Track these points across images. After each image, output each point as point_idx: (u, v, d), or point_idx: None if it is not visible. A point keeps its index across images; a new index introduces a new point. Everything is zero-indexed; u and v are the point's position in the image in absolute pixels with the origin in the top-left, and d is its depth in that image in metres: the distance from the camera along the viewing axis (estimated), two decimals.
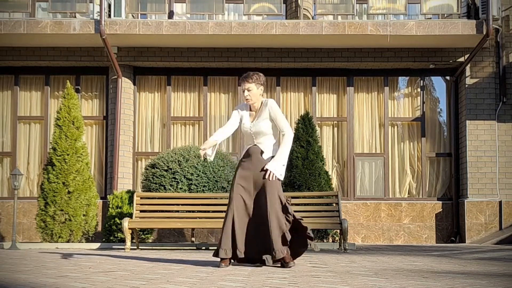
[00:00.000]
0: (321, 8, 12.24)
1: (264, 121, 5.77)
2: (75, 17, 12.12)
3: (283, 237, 5.58)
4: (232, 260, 5.75)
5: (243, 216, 5.72)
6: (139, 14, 12.60)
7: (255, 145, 5.82)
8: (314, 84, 12.97)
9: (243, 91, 5.83)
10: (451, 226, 12.50)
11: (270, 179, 5.61)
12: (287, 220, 5.66)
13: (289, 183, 10.90)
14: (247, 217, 5.73)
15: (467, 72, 12.42)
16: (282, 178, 5.70)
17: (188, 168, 10.21)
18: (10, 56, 12.66)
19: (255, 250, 5.70)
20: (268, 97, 13.01)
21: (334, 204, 9.60)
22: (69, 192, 10.45)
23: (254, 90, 5.81)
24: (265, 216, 5.61)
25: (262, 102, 5.88)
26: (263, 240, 5.63)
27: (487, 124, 12.29)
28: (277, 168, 5.64)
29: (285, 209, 5.67)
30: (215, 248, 5.85)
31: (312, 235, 5.82)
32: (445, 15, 12.29)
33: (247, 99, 5.83)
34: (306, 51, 12.53)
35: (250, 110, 5.93)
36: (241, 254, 5.65)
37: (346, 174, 12.80)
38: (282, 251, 5.55)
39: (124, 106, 12.60)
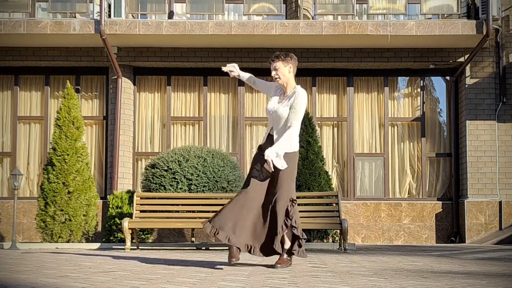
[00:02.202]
0: (321, 8, 12.25)
1: (286, 108, 5.61)
2: (75, 17, 12.12)
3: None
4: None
5: (250, 202, 5.57)
6: (139, 14, 12.60)
7: (269, 138, 5.70)
8: (314, 84, 12.97)
9: (271, 72, 5.72)
10: (451, 226, 12.50)
11: (268, 165, 5.45)
12: (285, 224, 5.57)
13: None
14: (252, 203, 5.59)
15: (467, 72, 12.42)
16: (276, 163, 5.47)
17: (188, 168, 10.20)
18: (10, 56, 12.66)
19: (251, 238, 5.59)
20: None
21: (334, 204, 9.59)
22: (69, 192, 10.44)
23: (281, 68, 5.69)
24: (270, 212, 5.57)
25: (294, 89, 5.70)
26: (262, 231, 5.60)
27: (487, 124, 12.29)
28: (270, 155, 5.43)
29: (286, 212, 5.59)
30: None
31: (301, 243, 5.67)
32: (445, 15, 12.29)
33: (275, 78, 5.72)
34: (306, 51, 12.52)
35: (284, 95, 5.76)
36: (236, 239, 5.49)
37: (346, 174, 12.80)
38: (279, 247, 5.55)
39: (124, 106, 12.60)
